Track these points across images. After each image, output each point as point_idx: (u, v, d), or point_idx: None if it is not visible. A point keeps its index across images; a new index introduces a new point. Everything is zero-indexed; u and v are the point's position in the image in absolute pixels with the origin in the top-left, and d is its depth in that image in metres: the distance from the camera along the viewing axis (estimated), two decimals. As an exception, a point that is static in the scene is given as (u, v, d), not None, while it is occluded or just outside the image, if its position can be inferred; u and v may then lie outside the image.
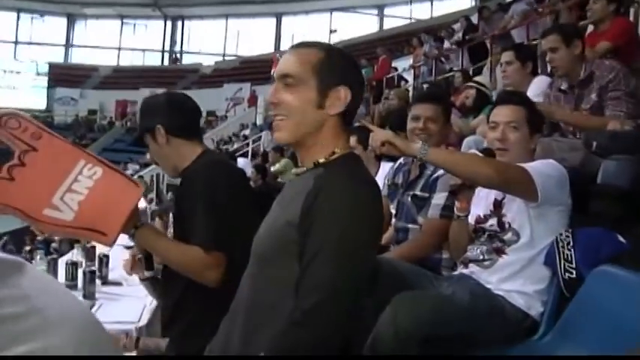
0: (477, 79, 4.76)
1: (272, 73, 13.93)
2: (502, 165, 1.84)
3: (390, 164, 2.70)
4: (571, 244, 1.84)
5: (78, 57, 27.17)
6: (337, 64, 1.27)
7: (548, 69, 2.99)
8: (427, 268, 2.13)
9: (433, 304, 1.72)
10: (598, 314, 1.68)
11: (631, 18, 4.30)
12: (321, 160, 1.25)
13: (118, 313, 2.54)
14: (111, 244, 1.50)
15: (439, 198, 2.26)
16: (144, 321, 2.50)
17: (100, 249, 3.39)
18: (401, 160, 2.58)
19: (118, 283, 3.10)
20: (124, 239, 4.23)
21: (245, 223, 1.51)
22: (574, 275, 1.80)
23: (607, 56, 3.28)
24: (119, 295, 2.88)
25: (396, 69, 11.79)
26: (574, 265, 1.81)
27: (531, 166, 1.82)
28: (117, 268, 3.23)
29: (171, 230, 2.19)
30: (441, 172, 2.28)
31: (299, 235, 1.15)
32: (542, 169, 1.83)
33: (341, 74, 1.26)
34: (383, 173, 2.91)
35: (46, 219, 1.39)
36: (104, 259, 3.19)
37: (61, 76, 25.10)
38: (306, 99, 1.24)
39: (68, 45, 27.75)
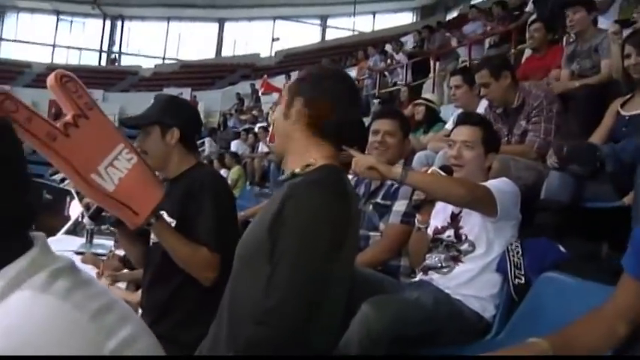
0: (425, 96, 4.98)
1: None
2: (471, 185, 1.98)
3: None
4: (520, 252, 2.05)
5: (8, 52, 25.87)
6: (306, 78, 1.40)
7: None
8: (386, 275, 2.28)
9: (400, 308, 1.86)
10: (544, 315, 1.87)
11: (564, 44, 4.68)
12: (297, 170, 1.33)
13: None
14: (140, 224, 1.59)
15: (400, 205, 2.41)
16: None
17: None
18: None
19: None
20: (74, 245, 4.16)
21: (235, 229, 1.66)
22: (523, 281, 2.01)
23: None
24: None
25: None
26: (523, 272, 2.02)
27: (493, 185, 2.01)
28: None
29: None
30: None
31: (270, 239, 1.23)
32: (501, 187, 2.02)
33: (304, 87, 1.37)
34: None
35: (91, 182, 1.49)
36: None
37: (-11, 72, 23.85)
38: (279, 111, 1.40)
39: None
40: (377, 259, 2.33)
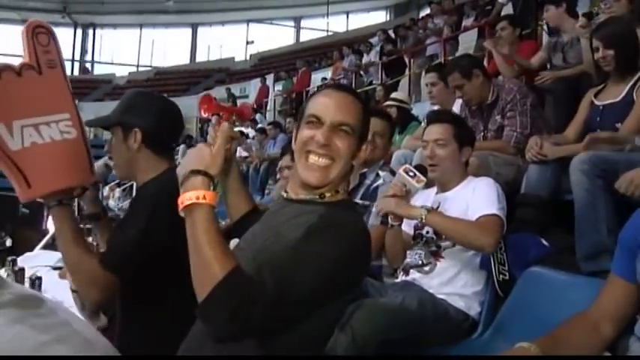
0: (395, 95, 4.94)
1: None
2: (489, 229, 1.93)
3: None
4: (503, 248, 2.04)
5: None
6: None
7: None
8: (369, 276, 2.26)
9: (386, 311, 1.83)
10: (530, 311, 1.87)
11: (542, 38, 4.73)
12: (327, 195, 1.25)
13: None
14: (25, 199, 1.41)
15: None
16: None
17: (30, 271, 3.24)
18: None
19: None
20: (52, 259, 4.07)
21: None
22: (507, 277, 2.00)
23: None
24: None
25: (325, 78, 11.98)
26: (507, 268, 2.01)
27: (496, 207, 1.97)
28: (49, 291, 3.10)
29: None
30: (380, 181, 2.45)
31: None
32: (499, 202, 2.00)
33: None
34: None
35: None
36: (36, 282, 3.06)
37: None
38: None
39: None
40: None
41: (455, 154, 2.15)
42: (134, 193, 1.75)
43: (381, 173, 2.52)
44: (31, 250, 5.44)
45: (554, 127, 3.07)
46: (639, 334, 1.27)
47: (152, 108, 1.63)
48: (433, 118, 2.31)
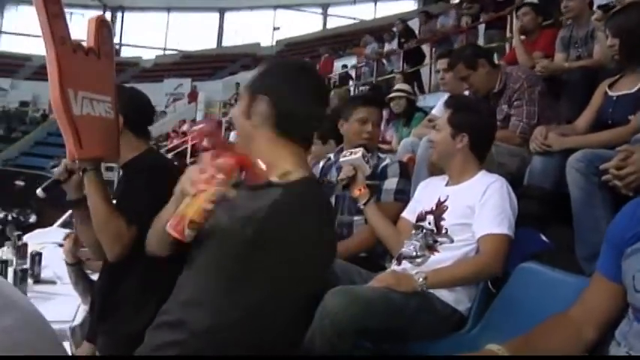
0: (400, 86, 4.87)
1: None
2: (494, 254, 1.88)
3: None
4: (500, 242, 1.95)
5: (8, 45, 25.83)
6: (268, 73, 1.31)
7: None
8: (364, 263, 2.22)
9: (366, 299, 1.77)
10: (520, 308, 1.78)
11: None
12: (274, 180, 1.24)
13: (50, 312, 2.46)
14: (78, 157, 1.61)
15: (391, 183, 2.41)
16: (78, 320, 2.45)
17: (32, 247, 3.28)
18: (329, 156, 2.66)
19: (51, 282, 3.01)
20: (60, 236, 4.12)
21: None
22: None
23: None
24: (52, 294, 2.80)
25: (345, 66, 11.91)
26: (501, 262, 1.92)
27: (506, 225, 1.91)
28: (50, 266, 3.13)
29: None
30: (388, 161, 2.46)
31: (247, 244, 1.16)
32: (510, 216, 1.93)
33: (267, 84, 1.28)
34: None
35: (65, 93, 1.53)
36: (37, 257, 3.09)
37: (-12, 64, 23.81)
38: (238, 109, 1.32)
39: (-1, 32, 26.39)
40: (373, 242, 2.32)
41: (447, 139, 2.08)
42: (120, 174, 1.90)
43: (381, 155, 2.54)
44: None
45: (568, 118, 2.94)
46: (619, 339, 1.18)
47: (127, 96, 1.88)
48: (445, 103, 2.26)
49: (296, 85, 1.27)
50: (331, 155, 2.69)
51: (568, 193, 2.13)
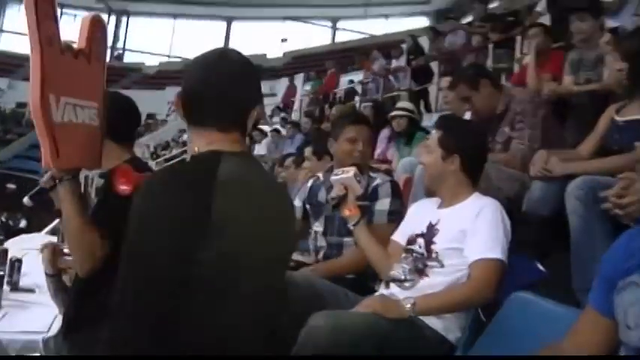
0: (402, 105, 4.88)
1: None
2: (486, 280, 1.86)
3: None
4: (492, 270, 1.92)
5: (8, 44, 26.02)
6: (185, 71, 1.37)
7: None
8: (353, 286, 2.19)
9: (351, 325, 1.75)
10: (512, 339, 1.75)
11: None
12: None
13: (25, 322, 2.45)
14: (51, 166, 1.57)
15: (384, 204, 2.41)
16: (53, 331, 2.42)
17: (15, 253, 3.26)
18: (318, 175, 2.66)
19: (29, 290, 2.98)
20: (42, 241, 4.10)
21: None
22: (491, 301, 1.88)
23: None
24: (29, 302, 2.78)
25: (352, 81, 11.95)
26: (493, 291, 1.89)
27: (499, 249, 1.89)
28: (31, 274, 3.10)
29: None
30: (379, 180, 2.45)
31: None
32: (503, 241, 1.91)
33: (184, 83, 1.33)
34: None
35: (46, 98, 1.48)
36: (16, 264, 3.07)
37: (-14, 63, 23.96)
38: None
39: (-1, 31, 26.60)
40: (362, 263, 2.29)
41: (438, 161, 2.06)
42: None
43: (372, 175, 2.52)
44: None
45: (574, 143, 2.92)
46: None
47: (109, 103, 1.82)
48: (435, 123, 2.27)
49: (201, 75, 1.28)
50: (320, 174, 2.68)
51: (567, 221, 2.11)
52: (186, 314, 1.12)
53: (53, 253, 2.33)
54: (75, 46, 1.62)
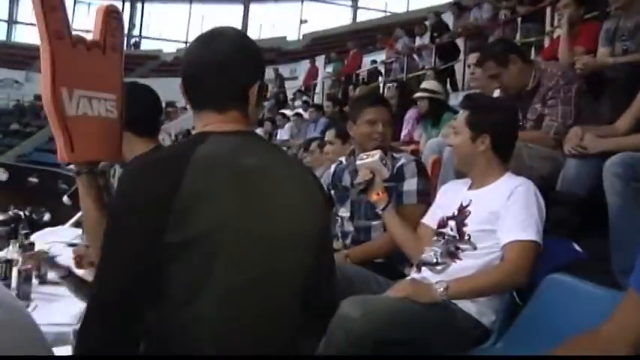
0: (425, 85, 4.83)
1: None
2: (519, 263, 1.85)
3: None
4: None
5: (23, 36, 26.38)
6: None
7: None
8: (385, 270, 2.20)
9: (385, 308, 1.77)
10: (549, 323, 1.75)
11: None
12: None
13: (54, 314, 2.51)
14: (66, 160, 1.56)
15: (411, 184, 2.41)
16: (82, 323, 2.49)
17: (41, 246, 3.34)
18: (341, 160, 2.66)
19: (57, 283, 3.05)
20: (70, 236, 4.20)
21: None
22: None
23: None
24: (57, 295, 2.84)
25: (375, 62, 11.88)
26: (530, 273, 1.89)
27: (534, 230, 1.88)
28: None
29: None
30: (403, 160, 2.44)
31: None
32: (537, 221, 1.90)
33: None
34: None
35: (58, 93, 1.48)
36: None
37: (3, 55, 24.28)
38: None
39: (11, 22, 26.84)
40: (393, 247, 2.30)
41: (467, 142, 2.05)
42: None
43: (396, 155, 2.51)
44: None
45: (610, 119, 2.87)
46: None
47: (126, 95, 1.78)
48: (461, 103, 2.24)
49: (195, 56, 1.28)
50: (343, 159, 2.69)
51: (605, 201, 2.09)
52: (153, 304, 1.12)
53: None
54: (90, 37, 1.62)
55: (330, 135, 3.84)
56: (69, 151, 1.53)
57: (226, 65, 1.25)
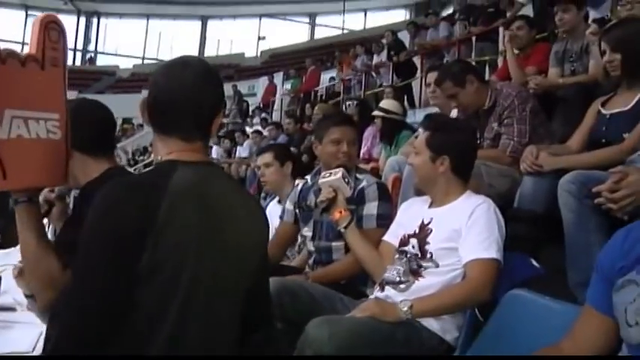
0: (383, 105, 4.87)
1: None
2: (483, 280, 1.88)
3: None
4: (487, 268, 1.95)
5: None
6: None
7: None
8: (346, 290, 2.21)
9: (350, 329, 1.77)
10: (510, 337, 1.78)
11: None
12: None
13: (9, 342, 2.42)
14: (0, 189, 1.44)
15: (371, 208, 2.38)
16: (38, 350, 2.40)
17: (-5, 269, 3.22)
18: (307, 179, 2.67)
19: (10, 309, 2.94)
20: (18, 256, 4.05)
21: None
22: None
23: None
24: (11, 322, 2.74)
25: (333, 78, 11.97)
26: (489, 289, 1.92)
27: (494, 248, 1.91)
28: (10, 292, 3.06)
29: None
30: (365, 183, 2.43)
31: None
32: (498, 240, 1.94)
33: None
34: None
35: None
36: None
37: None
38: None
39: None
40: (356, 268, 2.29)
41: (426, 163, 2.08)
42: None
43: (359, 176, 2.49)
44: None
45: (562, 137, 2.97)
46: None
47: (72, 114, 1.63)
48: (422, 123, 2.28)
49: (165, 83, 1.31)
50: (308, 178, 2.69)
51: (560, 216, 2.15)
52: (127, 330, 1.15)
53: (19, 275, 2.29)
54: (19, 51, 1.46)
55: (269, 157, 3.36)
56: (0, 178, 1.39)
57: (196, 97, 1.29)
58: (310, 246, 2.54)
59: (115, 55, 27.14)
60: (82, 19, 26.60)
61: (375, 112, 4.71)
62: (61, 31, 1.53)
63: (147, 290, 1.15)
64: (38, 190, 1.57)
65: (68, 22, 26.24)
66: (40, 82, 1.47)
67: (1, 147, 1.37)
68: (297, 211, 2.63)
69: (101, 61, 27.05)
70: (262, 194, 6.50)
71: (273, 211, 2.98)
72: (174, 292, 1.17)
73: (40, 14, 1.53)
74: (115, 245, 1.14)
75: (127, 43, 27.06)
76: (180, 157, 1.27)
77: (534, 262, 2.08)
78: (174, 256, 1.16)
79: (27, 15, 25.74)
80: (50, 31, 1.49)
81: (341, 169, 2.31)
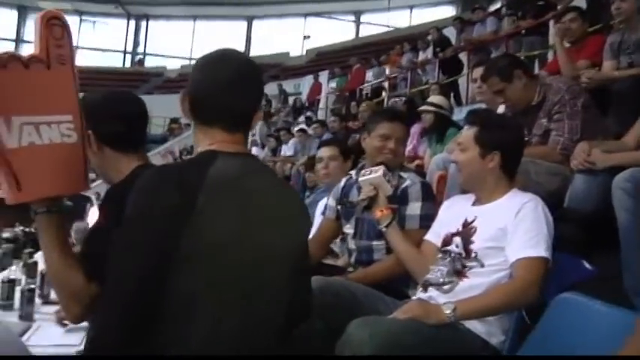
0: (432, 100, 4.81)
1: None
2: (531, 280, 1.82)
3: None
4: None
5: (29, 53, 26.57)
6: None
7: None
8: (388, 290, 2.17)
9: (393, 330, 1.73)
10: (560, 343, 1.71)
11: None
12: None
13: (57, 335, 2.48)
14: (12, 202, 1.36)
15: (414, 208, 2.34)
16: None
17: (43, 265, 3.32)
18: (351, 174, 2.63)
19: (60, 303, 3.03)
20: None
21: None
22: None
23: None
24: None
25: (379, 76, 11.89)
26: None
27: (543, 247, 1.84)
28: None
29: None
30: (408, 182, 2.38)
31: None
32: (546, 238, 1.87)
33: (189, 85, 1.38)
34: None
35: None
36: (46, 277, 3.12)
37: None
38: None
39: (19, 40, 26.98)
40: (398, 270, 2.24)
41: (475, 159, 2.02)
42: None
43: (403, 175, 2.44)
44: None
45: (616, 133, 2.85)
46: None
47: (96, 105, 1.59)
48: (466, 119, 2.23)
49: (208, 75, 1.33)
50: (352, 173, 2.65)
51: (614, 217, 2.06)
52: (162, 317, 1.17)
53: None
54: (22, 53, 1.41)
55: (335, 151, 3.44)
56: (14, 190, 1.32)
57: (234, 88, 1.31)
58: (352, 244, 2.50)
59: (163, 56, 27.73)
60: (132, 23, 27.29)
61: (424, 107, 4.64)
62: (65, 27, 1.44)
63: (182, 278, 1.16)
64: (57, 200, 1.46)
65: (119, 25, 27.05)
66: (47, 83, 1.40)
67: (13, 157, 1.32)
68: (339, 207, 2.60)
69: (149, 62, 27.68)
70: (306, 192, 6.54)
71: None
72: (212, 280, 1.19)
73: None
74: (153, 229, 1.17)
75: (174, 44, 27.62)
76: (221, 148, 1.29)
77: (586, 264, 2.00)
78: (214, 244, 1.19)
79: (81, 20, 26.59)
80: (53, 28, 1.41)
81: (382, 166, 2.28)
